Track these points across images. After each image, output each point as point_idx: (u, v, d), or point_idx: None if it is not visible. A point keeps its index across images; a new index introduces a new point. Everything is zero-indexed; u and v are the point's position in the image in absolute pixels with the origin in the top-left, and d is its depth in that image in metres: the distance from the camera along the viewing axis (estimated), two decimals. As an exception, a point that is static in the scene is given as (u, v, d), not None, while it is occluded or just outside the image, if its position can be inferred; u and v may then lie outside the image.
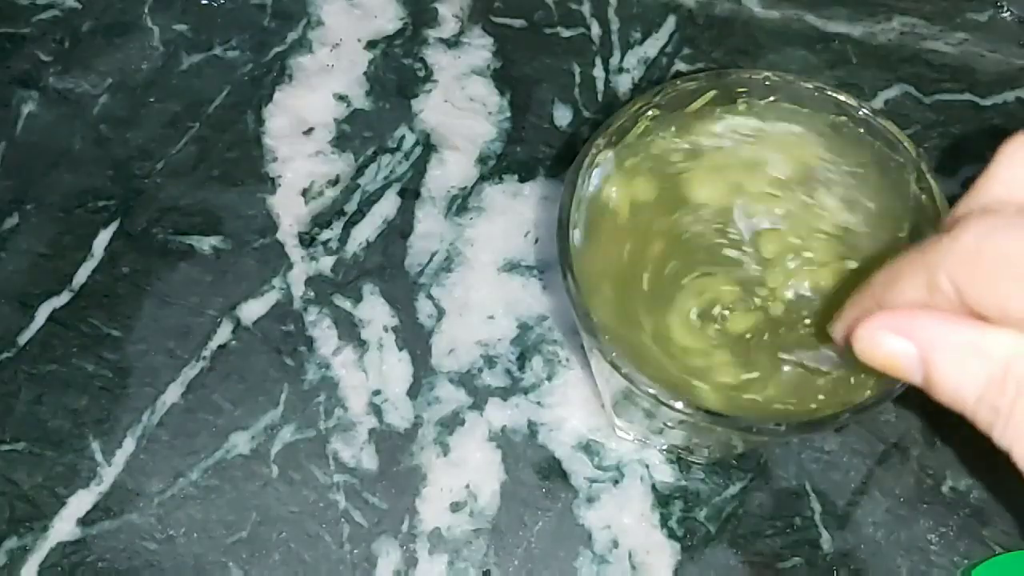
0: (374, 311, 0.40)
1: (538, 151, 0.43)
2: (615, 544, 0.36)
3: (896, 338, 0.21)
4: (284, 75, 0.45)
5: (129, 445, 0.38)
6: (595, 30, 0.46)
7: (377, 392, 0.38)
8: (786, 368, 0.28)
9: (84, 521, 0.36)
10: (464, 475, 0.37)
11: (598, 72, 0.45)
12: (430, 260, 0.41)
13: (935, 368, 0.21)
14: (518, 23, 0.46)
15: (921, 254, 0.21)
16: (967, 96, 0.44)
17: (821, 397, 0.27)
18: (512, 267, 0.41)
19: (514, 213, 0.42)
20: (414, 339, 0.39)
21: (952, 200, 0.24)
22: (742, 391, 0.28)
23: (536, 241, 0.41)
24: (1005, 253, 0.20)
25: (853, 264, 0.29)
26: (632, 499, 0.37)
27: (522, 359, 0.39)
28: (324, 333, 0.39)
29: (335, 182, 0.43)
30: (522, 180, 0.43)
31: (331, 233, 0.41)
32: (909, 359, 0.21)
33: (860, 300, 0.24)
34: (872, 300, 0.23)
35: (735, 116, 0.32)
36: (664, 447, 0.36)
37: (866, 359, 0.22)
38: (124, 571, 0.36)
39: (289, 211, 0.42)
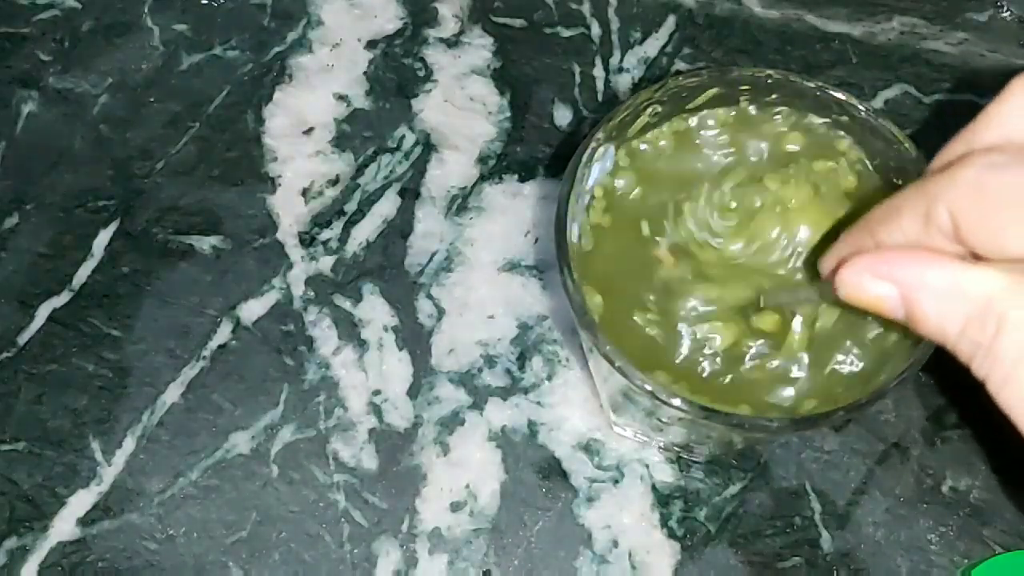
0: (374, 311, 0.40)
1: (538, 151, 0.43)
2: (615, 544, 0.36)
3: (878, 282, 0.22)
4: (284, 75, 0.45)
5: (129, 445, 0.38)
6: (595, 30, 0.46)
7: (377, 392, 0.38)
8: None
9: (84, 521, 0.36)
10: (464, 475, 0.37)
11: (598, 72, 0.45)
12: (430, 260, 0.41)
13: (917, 307, 0.22)
14: (518, 23, 0.46)
15: (921, 187, 0.22)
16: (967, 96, 0.44)
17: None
18: (512, 267, 0.41)
19: (514, 213, 0.42)
20: (414, 339, 0.39)
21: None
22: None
23: (536, 241, 0.41)
24: (1006, 187, 0.21)
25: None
26: (632, 499, 0.37)
27: (522, 359, 0.39)
28: (324, 333, 0.39)
29: (335, 182, 0.43)
30: (522, 180, 0.43)
31: (331, 233, 0.41)
32: (892, 300, 0.22)
33: (855, 235, 0.25)
34: (868, 234, 0.24)
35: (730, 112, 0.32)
36: (663, 445, 0.36)
37: (851, 302, 0.23)
38: (124, 571, 0.36)
39: (289, 211, 0.42)
